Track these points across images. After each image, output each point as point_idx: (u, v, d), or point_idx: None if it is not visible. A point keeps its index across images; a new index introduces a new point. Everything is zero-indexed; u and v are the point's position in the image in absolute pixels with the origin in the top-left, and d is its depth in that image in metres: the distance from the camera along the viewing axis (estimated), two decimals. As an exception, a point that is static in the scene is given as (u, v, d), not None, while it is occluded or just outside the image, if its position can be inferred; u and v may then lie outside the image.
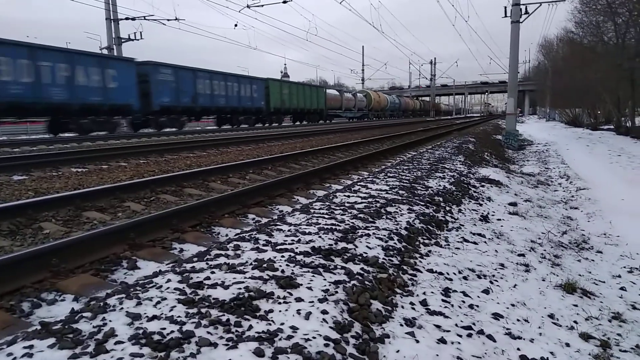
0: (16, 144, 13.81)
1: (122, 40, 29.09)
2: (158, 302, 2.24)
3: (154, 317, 2.08)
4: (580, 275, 3.78)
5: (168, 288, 2.42)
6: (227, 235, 4.14)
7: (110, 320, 2.04)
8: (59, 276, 2.88)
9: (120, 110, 21.33)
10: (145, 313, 2.12)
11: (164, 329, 1.98)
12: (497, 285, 3.18)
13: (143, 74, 22.21)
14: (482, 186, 6.96)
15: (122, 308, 2.18)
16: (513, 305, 2.89)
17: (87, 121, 19.58)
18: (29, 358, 1.75)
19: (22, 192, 5.82)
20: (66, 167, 8.47)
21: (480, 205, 5.72)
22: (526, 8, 17.87)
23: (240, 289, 2.43)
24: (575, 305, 3.05)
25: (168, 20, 29.05)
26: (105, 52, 27.46)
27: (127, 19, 28.86)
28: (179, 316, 2.10)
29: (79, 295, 2.70)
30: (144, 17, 28.77)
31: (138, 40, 29.37)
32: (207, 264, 2.85)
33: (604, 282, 3.74)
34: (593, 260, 4.28)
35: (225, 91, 28.75)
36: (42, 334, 1.93)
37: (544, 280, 3.44)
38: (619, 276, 3.89)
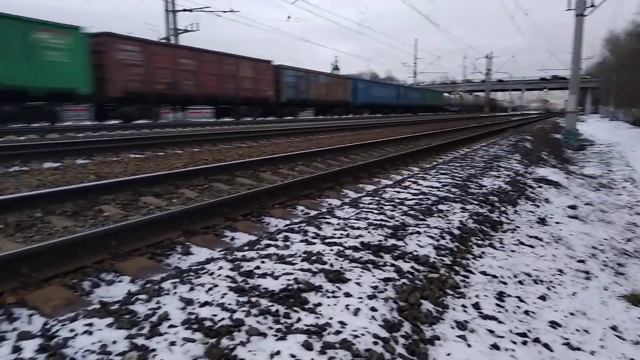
0: (80, 129, 14.53)
1: (180, 32, 29.96)
2: (210, 289, 2.28)
3: (206, 303, 2.12)
4: (646, 286, 3.54)
5: (220, 275, 2.47)
6: (276, 225, 4.17)
7: (164, 304, 2.10)
8: (117, 258, 3.00)
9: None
10: (197, 299, 2.17)
11: (215, 315, 2.01)
12: (555, 292, 3.03)
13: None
14: (540, 187, 6.66)
15: (175, 292, 2.23)
16: (572, 314, 2.75)
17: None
18: (89, 335, 1.82)
19: (84, 176, 6.11)
20: (125, 153, 8.83)
21: (538, 206, 5.48)
22: (592, 0, 16.90)
23: (289, 280, 2.44)
24: (641, 319, 2.86)
25: (224, 12, 29.62)
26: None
27: (184, 10, 29.66)
28: (229, 304, 2.13)
29: (135, 277, 2.80)
30: (201, 9, 29.47)
31: (194, 31, 30.16)
32: (257, 253, 2.88)
33: (673, 295, 3.49)
34: (661, 271, 4.00)
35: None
36: (102, 313, 2.01)
37: (606, 289, 3.25)
38: (690, 290, 3.62)
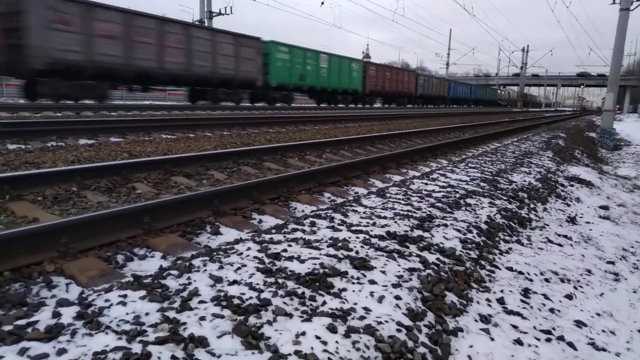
0: (112, 108, 14.85)
1: (214, 14, 30.15)
2: (238, 268, 2.34)
3: (235, 282, 2.18)
4: (677, 291, 3.46)
5: (248, 256, 2.53)
6: (303, 211, 4.22)
7: (194, 280, 2.17)
8: (149, 234, 3.10)
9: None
10: (226, 277, 2.23)
11: (244, 294, 2.07)
12: (582, 292, 3.00)
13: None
14: (571, 185, 6.53)
15: (205, 270, 2.30)
16: (598, 314, 2.71)
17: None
18: (123, 306, 1.90)
19: (117, 154, 6.27)
20: (157, 133, 9.00)
21: (568, 205, 5.38)
22: (640, -6, 16.25)
23: (315, 264, 2.48)
24: (670, 324, 2.80)
25: (258, -4, 29.56)
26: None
27: (219, -6, 29.80)
28: (257, 284, 2.18)
29: (167, 253, 2.89)
30: (235, -8, 29.50)
31: (228, 15, 30.30)
32: (284, 236, 2.93)
33: None
34: (694, 277, 3.90)
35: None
36: (135, 286, 2.09)
37: (635, 292, 3.19)
38: None
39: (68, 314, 1.82)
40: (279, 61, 25.64)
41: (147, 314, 1.86)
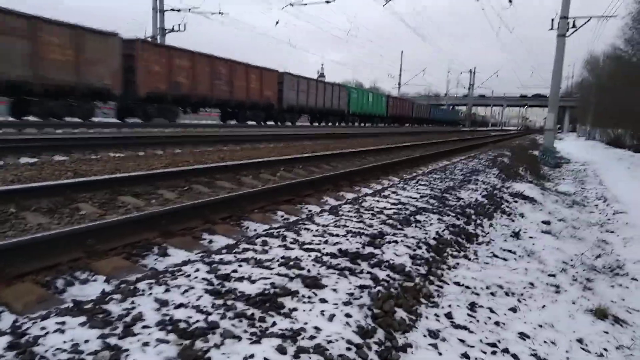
0: (59, 125, 14.28)
1: (166, 31, 29.78)
2: (186, 291, 2.28)
3: (181, 305, 2.12)
4: (612, 301, 3.64)
5: (196, 277, 2.47)
6: (255, 230, 4.18)
7: (139, 304, 2.10)
8: (92, 257, 2.97)
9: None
10: (173, 300, 2.17)
11: (190, 317, 2.02)
12: (525, 305, 3.10)
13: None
14: (516, 201, 6.80)
15: (150, 293, 2.23)
16: (541, 326, 2.81)
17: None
18: (61, 334, 1.81)
19: (61, 173, 6.02)
20: (104, 151, 8.72)
21: (513, 221, 5.60)
22: (574, 22, 17.35)
23: (266, 284, 2.45)
24: (606, 332, 2.94)
25: (212, 13, 29.56)
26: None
27: (172, 10, 29.52)
28: (205, 306, 2.13)
29: (110, 277, 2.78)
30: (189, 9, 29.36)
31: (182, 31, 30.01)
32: (235, 256, 2.89)
33: (638, 311, 3.59)
34: (627, 287, 4.12)
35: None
36: (75, 312, 2.00)
37: (574, 303, 3.33)
38: (655, 306, 3.73)
39: (-2, 345, 1.71)
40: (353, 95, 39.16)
41: (86, 341, 1.77)
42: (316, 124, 35.30)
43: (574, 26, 17.41)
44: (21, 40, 14.82)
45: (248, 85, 26.02)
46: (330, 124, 36.07)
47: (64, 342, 1.75)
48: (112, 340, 1.79)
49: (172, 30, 30.04)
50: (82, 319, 1.93)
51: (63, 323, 1.89)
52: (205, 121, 28.67)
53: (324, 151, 11.31)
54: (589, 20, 17.61)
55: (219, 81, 23.83)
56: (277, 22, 31.45)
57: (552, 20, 17.55)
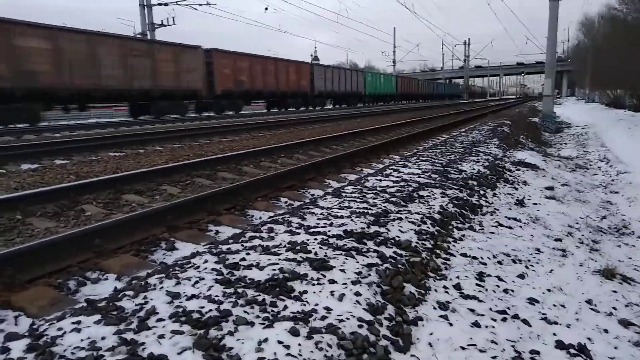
0: (56, 129, 14.29)
1: (156, 26, 29.53)
2: (196, 282, 2.31)
3: (193, 296, 2.15)
4: (620, 261, 3.67)
5: (205, 268, 2.49)
6: (260, 218, 4.20)
7: (151, 299, 2.13)
8: (101, 256, 3.01)
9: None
10: (184, 292, 2.19)
11: (203, 307, 2.04)
12: (533, 270, 3.13)
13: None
14: (518, 170, 6.80)
15: (162, 287, 2.26)
16: (549, 290, 2.84)
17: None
18: (78, 333, 1.84)
19: (64, 176, 6.05)
20: (104, 152, 8.73)
21: (516, 189, 5.61)
22: (566, -16, 17.13)
23: (274, 270, 2.48)
24: (615, 292, 2.97)
25: (200, 5, 29.26)
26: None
27: (160, 4, 29.22)
28: (216, 295, 2.16)
29: (121, 274, 2.81)
30: (176, 2, 29.06)
31: (171, 25, 29.76)
32: (242, 245, 2.91)
33: (645, 268, 3.62)
34: (634, 246, 4.15)
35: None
36: (89, 311, 2.03)
37: (581, 265, 3.36)
38: (662, 262, 3.76)
39: (18, 348, 1.74)
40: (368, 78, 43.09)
41: (103, 338, 1.80)
42: (337, 107, 39.13)
43: (566, -12, 17.15)
44: (146, 59, 20.21)
45: (288, 77, 30.76)
46: (352, 105, 40.02)
47: (81, 340, 1.79)
48: (128, 335, 1.82)
49: (162, 25, 29.78)
50: (97, 317, 1.96)
51: (79, 322, 1.92)
52: (253, 110, 31.82)
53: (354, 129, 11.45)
54: (581, -19, 17.31)
55: (269, 76, 28.65)
56: (266, 9, 31.31)
57: (544, -16, 17.28)
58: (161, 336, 1.82)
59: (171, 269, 2.52)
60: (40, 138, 11.53)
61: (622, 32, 24.22)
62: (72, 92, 16.88)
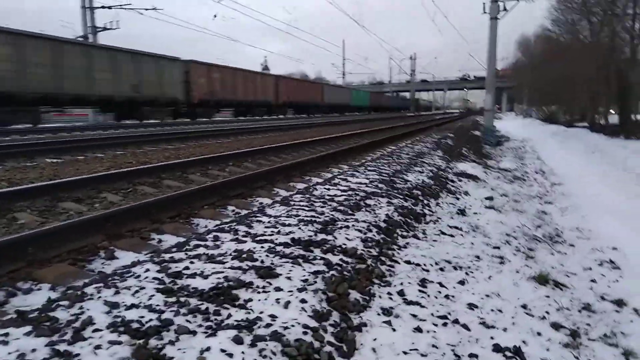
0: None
1: (98, 30, 28.48)
2: (136, 291, 2.24)
3: (133, 306, 2.08)
4: (553, 267, 3.88)
5: (147, 277, 2.42)
6: (206, 226, 4.12)
7: (88, 309, 2.04)
8: (34, 265, 2.85)
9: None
10: (123, 302, 2.12)
11: (143, 317, 1.98)
12: (473, 277, 3.25)
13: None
14: (460, 180, 7.07)
15: (100, 297, 2.17)
16: (488, 295, 2.96)
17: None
18: (5, 345, 1.73)
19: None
20: (41, 158, 8.30)
21: (458, 199, 5.82)
22: (504, 5, 18.06)
23: (219, 278, 2.44)
24: (547, 297, 3.14)
25: (146, 9, 28.55)
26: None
27: (103, 7, 28.26)
28: (157, 305, 2.10)
29: (55, 284, 2.67)
30: (120, 6, 28.19)
31: (114, 29, 28.79)
32: (186, 254, 2.85)
33: (575, 274, 3.85)
34: (566, 253, 4.40)
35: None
36: (18, 322, 1.92)
37: (517, 272, 3.53)
38: (590, 269, 4.01)
39: (-64, 364, 1.62)
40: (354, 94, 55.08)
41: (33, 350, 1.71)
42: (332, 113, 45.80)
43: (505, 9, 18.12)
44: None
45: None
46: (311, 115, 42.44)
47: (9, 353, 1.68)
48: (62, 347, 1.73)
49: (105, 28, 28.74)
50: (28, 328, 1.86)
51: (6, 334, 1.81)
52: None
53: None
54: (517, 3, 18.36)
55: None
56: (214, 16, 31.36)
57: (484, 3, 18.17)
58: (98, 347, 1.75)
59: (110, 279, 2.43)
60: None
61: (555, 51, 25.85)
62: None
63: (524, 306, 2.92)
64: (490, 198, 6.23)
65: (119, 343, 1.77)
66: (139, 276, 2.45)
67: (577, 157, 12.30)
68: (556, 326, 2.69)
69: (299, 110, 41.06)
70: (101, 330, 1.86)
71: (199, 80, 27.08)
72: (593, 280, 3.71)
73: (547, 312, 2.89)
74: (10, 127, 16.10)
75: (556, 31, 25.86)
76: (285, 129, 19.09)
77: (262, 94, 34.33)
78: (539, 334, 2.56)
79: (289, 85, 38.62)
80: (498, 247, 4.07)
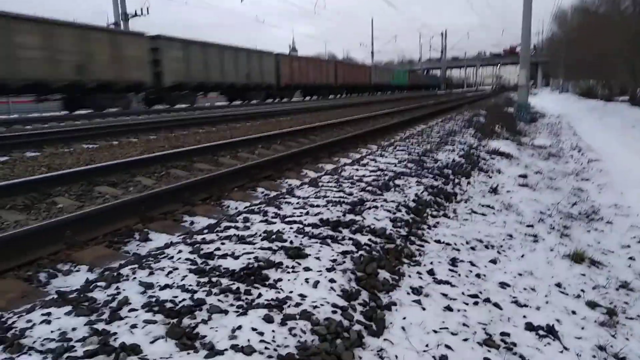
0: (28, 121, 13.92)
1: (129, 16, 28.86)
2: (170, 272, 2.29)
3: (166, 286, 2.14)
4: (589, 245, 3.77)
5: (180, 258, 2.48)
6: (236, 208, 4.18)
7: (124, 289, 2.10)
8: (73, 248, 2.96)
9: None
10: (157, 282, 2.18)
11: (176, 297, 2.03)
12: (505, 256, 3.20)
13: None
14: (492, 159, 6.91)
15: (135, 278, 2.24)
16: (520, 274, 2.91)
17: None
18: (47, 324, 1.81)
19: (35, 169, 5.91)
20: (77, 144, 8.55)
21: (490, 177, 5.70)
22: (540, -24, 17.34)
23: (249, 259, 2.47)
24: (583, 275, 3.05)
25: (175, -6, 28.68)
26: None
27: (133, -7, 28.53)
28: (190, 285, 2.15)
29: (93, 266, 2.77)
30: (151, -9, 28.37)
31: (145, 16, 29.11)
32: (217, 235, 2.90)
33: (612, 252, 3.73)
34: (602, 231, 4.27)
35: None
36: (59, 302, 2.00)
37: (552, 250, 3.44)
38: (628, 246, 3.88)
39: (-16, 341, 1.70)
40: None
41: (74, 329, 1.78)
42: (379, 93, 50.12)
43: (540, -20, 17.38)
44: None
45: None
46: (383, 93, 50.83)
47: (52, 331, 1.76)
48: (100, 326, 1.80)
49: (135, 14, 29.11)
50: (68, 308, 1.94)
51: (49, 314, 1.89)
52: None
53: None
54: (554, -27, 17.56)
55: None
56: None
57: (518, -25, 17.44)
58: (133, 326, 1.80)
59: (144, 260, 2.50)
60: (9, 130, 11.21)
61: (594, 23, 24.71)
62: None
63: (559, 285, 2.85)
64: (524, 176, 6.07)
65: (154, 322, 1.82)
66: (172, 257, 2.51)
67: (616, 133, 11.83)
68: (592, 305, 2.62)
69: (351, 90, 44.43)
70: (137, 310, 1.92)
71: (285, 70, 31.43)
72: (631, 258, 3.59)
73: (583, 291, 2.81)
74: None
75: (595, 2, 24.70)
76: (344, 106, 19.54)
77: (326, 78, 38.14)
78: (573, 312, 2.50)
79: (345, 69, 42.75)
80: (532, 226, 3.98)
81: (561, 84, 50.84)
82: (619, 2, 20.52)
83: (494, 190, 4.99)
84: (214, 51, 25.73)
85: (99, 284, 2.19)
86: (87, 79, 18.13)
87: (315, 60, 38.19)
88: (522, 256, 3.23)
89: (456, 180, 5.04)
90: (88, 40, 18.23)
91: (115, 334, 1.75)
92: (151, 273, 2.29)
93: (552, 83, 67.92)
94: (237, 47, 28.21)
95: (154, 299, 2.01)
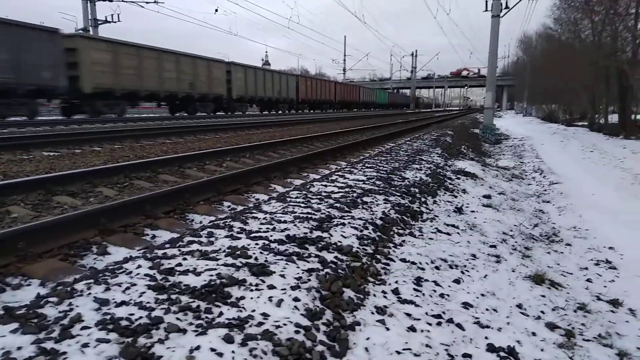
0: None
1: (99, 22, 28.36)
2: (127, 288, 2.21)
3: (123, 303, 2.05)
4: (549, 266, 3.86)
5: (138, 274, 2.39)
6: (201, 222, 4.10)
7: (77, 306, 2.01)
8: (25, 261, 2.81)
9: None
10: (113, 299, 2.09)
11: (132, 314, 1.95)
12: (468, 276, 3.23)
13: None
14: (458, 178, 7.04)
15: (89, 293, 2.14)
16: (483, 295, 2.94)
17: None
18: (-11, 343, 1.70)
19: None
20: (38, 151, 8.25)
21: (455, 197, 5.79)
22: (506, 2, 18.01)
23: (212, 275, 2.41)
24: (543, 296, 3.11)
25: (147, 2, 28.39)
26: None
27: (104, 0, 28.10)
28: (148, 302, 2.07)
29: (45, 280, 2.64)
30: (122, -1, 28.01)
31: (115, 22, 28.67)
32: (179, 250, 2.82)
33: (571, 273, 3.83)
34: (562, 253, 4.38)
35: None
36: (5, 319, 1.89)
37: (514, 271, 3.50)
38: (586, 268, 3.99)
39: None
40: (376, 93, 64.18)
41: (19, 348, 1.68)
42: (364, 109, 56.60)
43: (507, 7, 18.07)
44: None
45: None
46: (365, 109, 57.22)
47: (-6, 351, 1.65)
48: (49, 345, 1.71)
49: (106, 21, 28.62)
50: (14, 325, 1.83)
51: (-8, 332, 1.78)
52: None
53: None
54: (520, 1, 18.30)
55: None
56: (216, 10, 30.74)
57: (486, 1, 18.11)
58: (85, 345, 1.72)
59: (101, 275, 2.40)
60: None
61: (556, 50, 25.76)
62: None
63: (519, 306, 2.89)
64: (487, 196, 6.20)
65: (107, 341, 1.74)
66: (130, 272, 2.42)
67: (576, 157, 12.27)
68: (551, 326, 2.66)
69: (346, 106, 51.97)
70: (89, 327, 1.83)
71: (302, 87, 35.28)
72: (589, 280, 3.69)
73: (543, 312, 2.86)
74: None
75: (558, 30, 25.76)
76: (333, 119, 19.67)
77: (328, 95, 44.79)
78: (533, 334, 2.54)
79: (342, 88, 50.36)
80: (494, 246, 4.05)
81: (525, 108, 52.64)
82: (579, 31, 21.46)
83: (459, 210, 5.07)
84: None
85: (50, 299, 2.08)
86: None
87: (321, 80, 45.92)
88: (485, 276, 3.27)
89: (422, 199, 5.09)
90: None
91: (64, 353, 1.66)
92: (107, 289, 2.20)
93: (516, 106, 70.24)
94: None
95: (108, 317, 1.92)
